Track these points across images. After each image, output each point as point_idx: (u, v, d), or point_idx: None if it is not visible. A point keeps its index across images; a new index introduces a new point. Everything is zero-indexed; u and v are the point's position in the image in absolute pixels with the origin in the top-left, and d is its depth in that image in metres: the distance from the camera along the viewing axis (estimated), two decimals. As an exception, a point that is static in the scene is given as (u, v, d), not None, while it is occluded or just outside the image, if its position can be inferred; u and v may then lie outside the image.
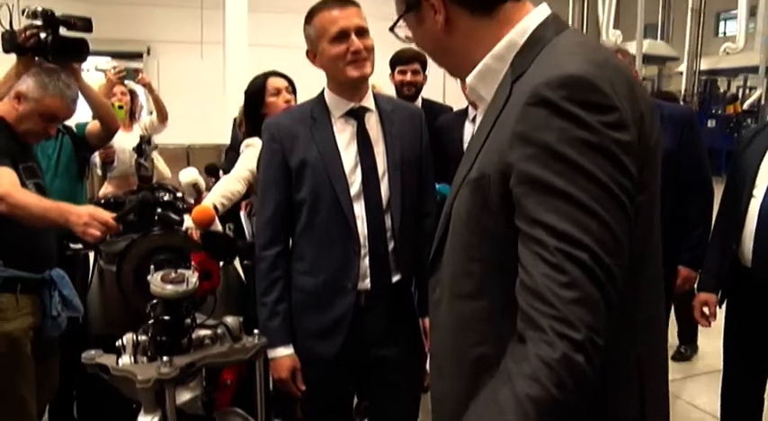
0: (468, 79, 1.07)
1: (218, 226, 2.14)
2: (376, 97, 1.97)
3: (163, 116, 4.77)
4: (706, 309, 2.55)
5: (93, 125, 2.95)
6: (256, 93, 2.75)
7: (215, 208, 2.34)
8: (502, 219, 0.91)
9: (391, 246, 1.92)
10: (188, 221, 2.17)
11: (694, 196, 2.82)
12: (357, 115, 1.91)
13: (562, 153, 0.83)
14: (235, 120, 5.47)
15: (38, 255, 2.25)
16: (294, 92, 2.78)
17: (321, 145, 1.87)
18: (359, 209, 1.87)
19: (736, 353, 2.51)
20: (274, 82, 2.74)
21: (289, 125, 1.92)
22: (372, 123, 1.93)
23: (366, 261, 1.88)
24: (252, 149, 2.65)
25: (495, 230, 0.94)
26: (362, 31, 1.81)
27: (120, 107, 3.14)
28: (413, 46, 1.21)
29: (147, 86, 5.05)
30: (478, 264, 0.98)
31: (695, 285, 2.80)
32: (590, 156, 0.83)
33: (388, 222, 1.91)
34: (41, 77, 2.27)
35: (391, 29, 1.15)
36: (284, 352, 1.91)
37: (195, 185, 2.57)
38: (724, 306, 2.55)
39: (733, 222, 2.41)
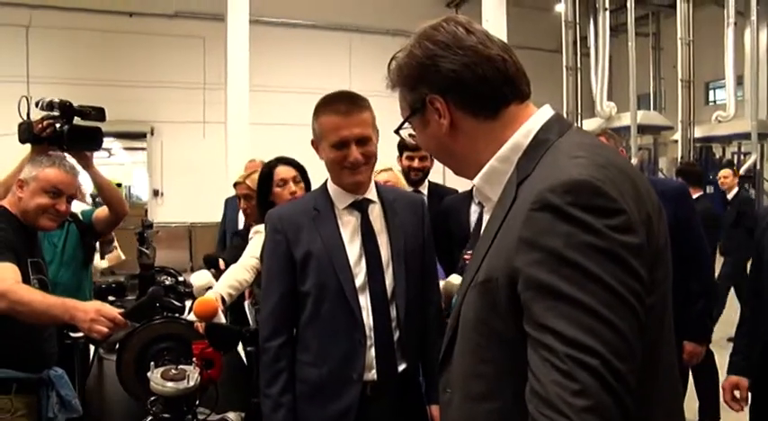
0: (476, 181, 1.09)
1: (221, 318, 2.11)
2: (378, 187, 2.00)
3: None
4: (737, 393, 2.44)
5: (101, 211, 2.96)
6: (264, 180, 2.76)
7: (222, 299, 2.32)
8: (511, 323, 0.90)
9: (396, 335, 1.90)
10: (191, 315, 2.14)
11: (693, 270, 2.80)
12: (360, 207, 1.93)
13: (569, 258, 0.83)
14: (227, 201, 5.50)
15: (37, 355, 2.20)
16: (304, 179, 2.75)
17: (326, 237, 1.88)
18: (364, 300, 1.86)
19: None
20: (281, 172, 2.73)
21: (292, 216, 1.94)
22: (376, 214, 1.95)
23: (372, 351, 1.86)
24: (260, 236, 2.64)
25: (505, 333, 0.92)
26: (364, 140, 1.84)
27: (119, 184, 3.16)
28: None
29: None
30: (489, 366, 0.96)
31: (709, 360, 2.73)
32: (598, 261, 0.82)
33: (393, 312, 1.90)
34: (37, 159, 2.32)
35: (396, 131, 1.18)
36: None
37: (209, 289, 2.55)
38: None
39: (764, 304, 2.33)
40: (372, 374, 1.86)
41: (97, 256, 3.49)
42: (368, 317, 1.86)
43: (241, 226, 5.14)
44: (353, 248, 1.89)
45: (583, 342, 0.80)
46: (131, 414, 1.57)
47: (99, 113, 2.58)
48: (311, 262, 1.86)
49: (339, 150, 1.83)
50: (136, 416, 1.54)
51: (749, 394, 2.42)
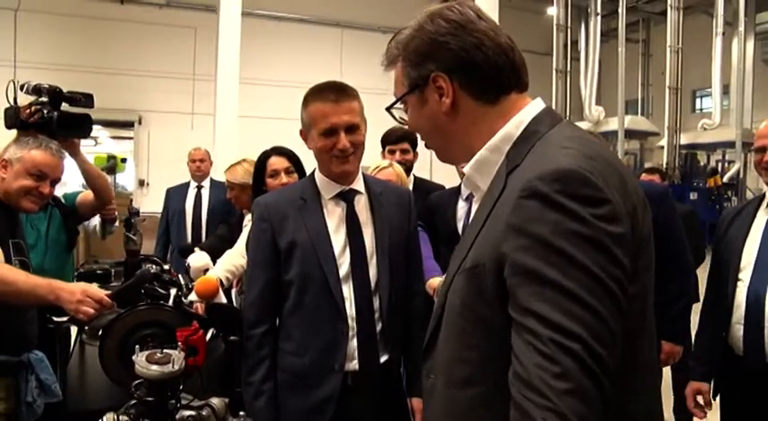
0: (466, 169, 1.10)
1: (222, 298, 2.11)
2: (366, 179, 2.01)
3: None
4: (700, 398, 2.45)
5: (86, 195, 2.93)
6: (258, 170, 2.76)
7: (219, 282, 2.33)
8: (497, 308, 0.92)
9: (379, 326, 1.92)
10: (192, 295, 2.14)
11: (673, 271, 2.84)
12: (347, 198, 1.94)
13: (556, 245, 0.84)
14: (168, 191, 5.46)
15: (17, 337, 2.16)
16: (299, 169, 2.75)
17: (311, 227, 1.89)
18: (347, 290, 1.88)
19: None
20: (273, 162, 2.73)
21: (278, 205, 1.94)
22: (362, 206, 1.96)
23: (354, 342, 1.87)
24: None
25: (490, 318, 0.94)
26: (352, 128, 1.86)
27: (124, 160, 3.10)
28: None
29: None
30: (474, 352, 0.97)
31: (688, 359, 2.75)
32: (583, 248, 0.84)
33: (377, 303, 1.91)
34: (23, 140, 2.28)
35: (388, 108, 1.17)
36: None
37: (206, 271, 2.55)
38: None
39: (720, 309, 2.34)
40: (354, 364, 1.87)
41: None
42: (351, 308, 1.87)
43: (204, 215, 5.10)
44: (338, 239, 1.90)
45: (565, 326, 0.81)
46: (113, 399, 1.57)
47: (88, 100, 2.55)
48: (296, 251, 1.87)
49: (328, 138, 1.84)
50: (118, 401, 1.54)
51: (712, 398, 2.43)
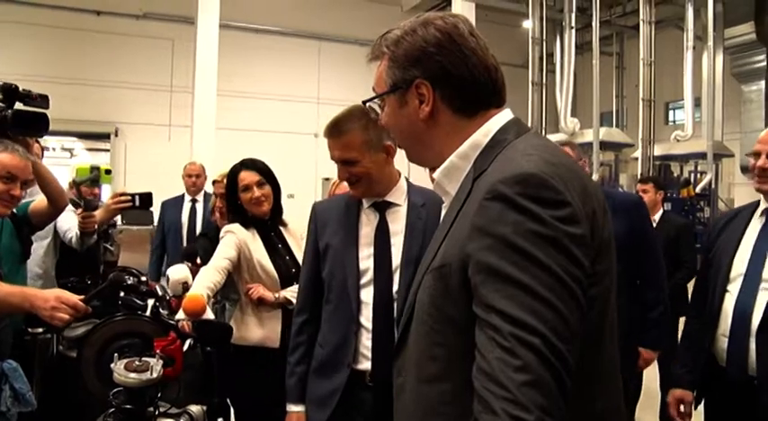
0: (436, 175, 1.14)
1: (209, 314, 2.14)
2: (410, 190, 2.10)
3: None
4: (683, 407, 2.41)
5: (39, 202, 2.83)
6: (229, 185, 2.80)
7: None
8: (462, 306, 0.96)
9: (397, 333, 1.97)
10: (180, 313, 2.15)
11: (649, 279, 2.91)
12: (380, 208, 2.05)
13: (516, 244, 0.89)
14: (164, 204, 5.47)
15: None
16: (271, 181, 2.78)
17: (344, 232, 2.04)
18: (366, 295, 1.99)
19: None
20: (244, 177, 2.75)
21: (325, 209, 2.16)
22: (397, 216, 2.06)
23: (369, 343, 1.97)
24: (230, 236, 2.68)
25: (457, 317, 0.98)
26: (347, 162, 1.98)
27: (108, 171, 3.06)
28: None
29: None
30: (442, 349, 1.01)
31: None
32: (543, 248, 0.89)
33: (396, 312, 1.98)
34: None
35: (366, 102, 1.21)
36: (294, 409, 2.08)
37: (185, 283, 2.55)
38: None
39: (707, 318, 2.30)
40: (367, 364, 1.97)
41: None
42: (368, 311, 1.98)
43: (198, 226, 5.12)
44: (366, 246, 2.03)
45: (525, 321, 0.86)
46: (92, 408, 1.59)
47: (43, 100, 2.48)
48: (329, 252, 2.06)
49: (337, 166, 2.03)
50: (96, 411, 1.55)
51: (693, 407, 2.40)
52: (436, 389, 1.02)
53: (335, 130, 1.98)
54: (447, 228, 1.05)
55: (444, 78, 1.08)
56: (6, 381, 2.16)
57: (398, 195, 2.07)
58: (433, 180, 1.17)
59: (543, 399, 0.83)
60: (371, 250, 2.02)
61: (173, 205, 5.39)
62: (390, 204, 2.06)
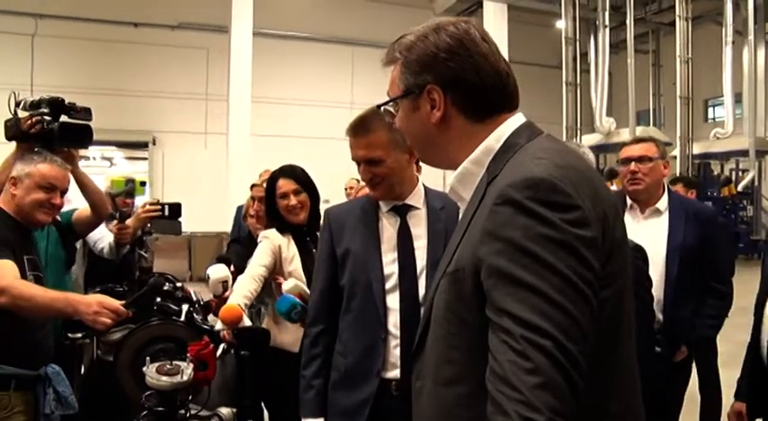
0: (450, 181, 1.16)
1: (246, 322, 2.18)
2: (428, 194, 2.07)
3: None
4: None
5: (82, 212, 2.91)
6: (268, 190, 2.82)
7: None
8: (476, 310, 0.97)
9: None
10: (219, 324, 2.19)
11: (712, 290, 2.83)
12: (400, 212, 2.02)
13: (527, 248, 0.90)
14: (239, 208, 5.57)
15: (34, 351, 2.23)
16: (309, 189, 2.79)
17: (364, 237, 1.99)
18: (392, 300, 1.94)
19: None
20: (281, 185, 2.77)
21: (340, 215, 2.09)
22: (418, 220, 2.02)
23: (397, 351, 1.92)
24: (265, 242, 2.70)
25: (471, 320, 0.98)
26: (371, 161, 1.94)
27: (143, 183, 3.12)
28: None
29: None
30: (458, 352, 1.02)
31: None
32: (553, 251, 0.89)
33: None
34: (27, 156, 2.34)
35: (380, 106, 1.22)
36: None
37: (225, 283, 2.59)
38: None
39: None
40: (396, 373, 1.92)
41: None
42: (395, 318, 1.93)
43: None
44: (389, 251, 1.98)
45: (537, 324, 0.86)
46: (129, 411, 1.63)
47: (87, 112, 2.55)
48: (348, 258, 1.99)
49: (359, 166, 1.98)
50: (131, 413, 1.60)
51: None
52: (452, 392, 1.03)
53: (361, 129, 1.94)
54: (462, 233, 1.06)
55: (455, 84, 1.09)
56: (50, 385, 2.23)
57: (417, 198, 2.04)
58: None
59: (555, 401, 0.84)
60: (395, 254, 1.97)
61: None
62: (410, 207, 2.02)
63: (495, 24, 12.15)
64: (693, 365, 3.17)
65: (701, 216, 2.80)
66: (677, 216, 2.75)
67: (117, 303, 1.99)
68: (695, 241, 2.70)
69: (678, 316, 2.66)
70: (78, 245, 3.28)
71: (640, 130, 14.93)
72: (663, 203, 2.79)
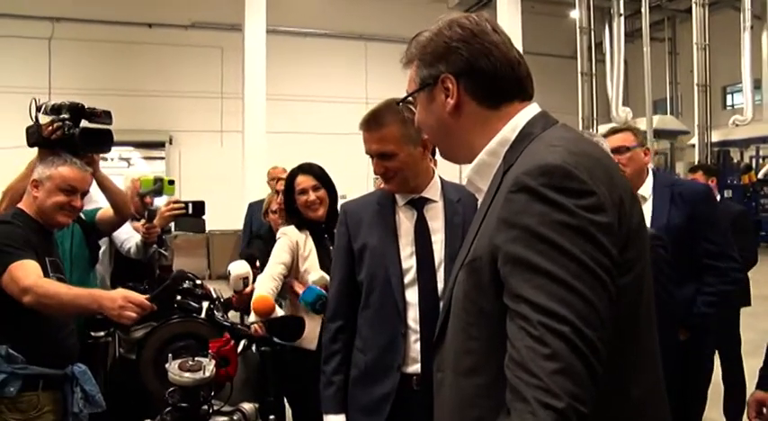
0: (467, 173, 1.17)
1: (278, 312, 2.19)
2: (444, 186, 2.07)
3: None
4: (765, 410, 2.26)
5: (105, 211, 2.96)
6: (288, 187, 2.84)
7: None
8: (494, 298, 0.97)
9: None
10: (252, 316, 2.20)
11: (709, 268, 2.80)
12: (417, 205, 2.01)
13: (543, 234, 0.90)
14: (250, 205, 5.60)
15: (60, 350, 2.26)
16: (327, 185, 2.81)
17: (381, 231, 1.99)
18: (411, 295, 1.94)
19: None
20: (300, 181, 2.80)
21: (356, 210, 2.09)
22: (435, 213, 2.02)
23: (417, 345, 1.91)
24: (284, 239, 2.73)
25: (490, 309, 0.99)
26: (384, 155, 1.93)
27: (171, 181, 3.15)
28: None
29: None
30: (477, 342, 1.03)
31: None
32: (569, 237, 0.89)
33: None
34: (48, 159, 2.38)
35: (400, 102, 1.27)
36: (334, 419, 2.00)
37: (245, 279, 2.62)
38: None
39: None
40: (416, 368, 1.91)
41: None
42: (415, 312, 1.92)
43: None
44: (406, 244, 1.98)
45: (554, 310, 0.86)
46: (152, 408, 1.65)
47: (107, 116, 2.59)
48: (366, 253, 1.99)
49: (372, 160, 1.97)
50: (156, 410, 1.62)
51: None
52: (472, 382, 1.04)
53: (373, 123, 1.94)
54: (479, 223, 1.07)
55: (467, 71, 1.12)
56: (77, 384, 2.27)
57: (434, 191, 2.03)
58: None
59: (574, 387, 0.84)
60: (413, 248, 1.97)
61: (258, 208, 5.51)
62: (427, 200, 2.02)
63: (509, 16, 12.05)
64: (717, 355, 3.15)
65: (687, 195, 2.78)
66: (661, 199, 2.75)
67: (141, 297, 2.02)
68: (682, 221, 2.69)
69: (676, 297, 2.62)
70: (105, 245, 3.33)
71: (658, 119, 14.79)
72: (647, 189, 2.79)
